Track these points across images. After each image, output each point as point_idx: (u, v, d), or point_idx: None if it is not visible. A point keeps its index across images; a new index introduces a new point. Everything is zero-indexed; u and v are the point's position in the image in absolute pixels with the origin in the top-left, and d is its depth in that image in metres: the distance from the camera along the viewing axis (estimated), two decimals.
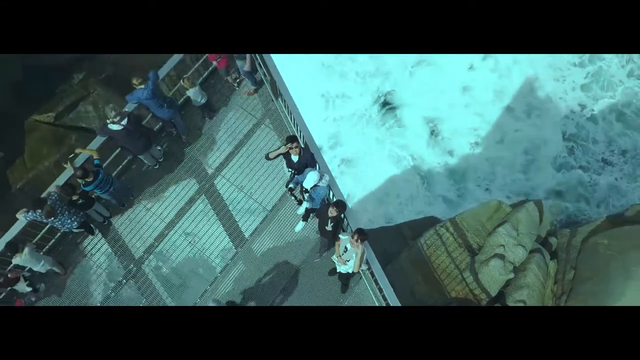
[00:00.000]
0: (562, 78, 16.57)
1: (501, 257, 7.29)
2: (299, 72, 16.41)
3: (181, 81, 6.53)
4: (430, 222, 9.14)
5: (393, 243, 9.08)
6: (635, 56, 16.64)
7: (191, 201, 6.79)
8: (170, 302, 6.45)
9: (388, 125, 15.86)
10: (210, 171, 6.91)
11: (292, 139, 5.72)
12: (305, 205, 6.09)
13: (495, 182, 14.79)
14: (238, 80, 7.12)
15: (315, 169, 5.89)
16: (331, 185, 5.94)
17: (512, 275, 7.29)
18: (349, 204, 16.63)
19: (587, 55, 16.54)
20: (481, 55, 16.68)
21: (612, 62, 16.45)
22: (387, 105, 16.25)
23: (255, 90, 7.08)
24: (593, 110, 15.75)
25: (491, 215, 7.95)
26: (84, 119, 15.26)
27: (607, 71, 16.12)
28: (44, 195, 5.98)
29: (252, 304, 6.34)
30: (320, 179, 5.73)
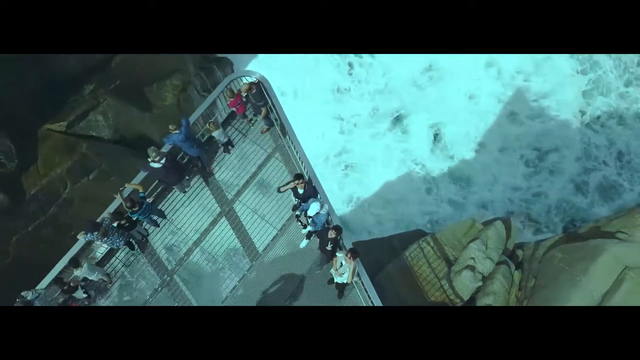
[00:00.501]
0: (564, 85, 18.16)
1: (472, 268, 9.06)
2: (313, 89, 18.08)
3: (207, 124, 8.19)
4: (416, 235, 10.90)
5: (384, 253, 10.84)
6: (630, 65, 18.26)
7: (214, 222, 8.51)
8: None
9: (395, 134, 17.45)
10: (229, 197, 8.61)
11: (298, 176, 7.42)
12: (309, 228, 7.81)
13: (497, 186, 16.41)
14: (253, 121, 8.79)
15: (317, 199, 7.58)
16: (330, 213, 7.66)
17: (480, 284, 9.06)
18: (355, 206, 17.91)
19: (588, 64, 18.14)
20: (484, 65, 18.24)
21: (610, 70, 18.06)
22: (396, 117, 17.89)
23: (268, 129, 8.76)
24: (593, 115, 17.37)
25: (466, 232, 9.70)
26: (94, 128, 16.96)
27: (605, 78, 17.75)
28: (98, 220, 7.65)
29: (265, 304, 8.09)
30: (321, 207, 7.43)
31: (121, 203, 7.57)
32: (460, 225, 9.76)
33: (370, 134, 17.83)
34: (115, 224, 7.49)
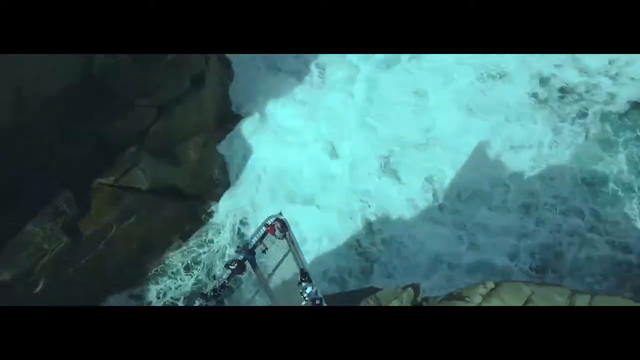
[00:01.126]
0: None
1: None
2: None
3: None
4: (369, 292, 19.12)
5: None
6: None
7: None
8: None
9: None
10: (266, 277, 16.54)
11: (303, 273, 15.44)
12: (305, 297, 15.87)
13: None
14: (278, 237, 16.62)
15: (311, 285, 15.60)
16: (317, 292, 15.74)
17: None
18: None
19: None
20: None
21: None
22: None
23: (284, 236, 16.64)
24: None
25: (393, 294, 17.98)
26: (135, 181, 24.39)
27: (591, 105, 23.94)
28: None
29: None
30: (313, 288, 15.48)
31: None
32: (390, 291, 17.99)
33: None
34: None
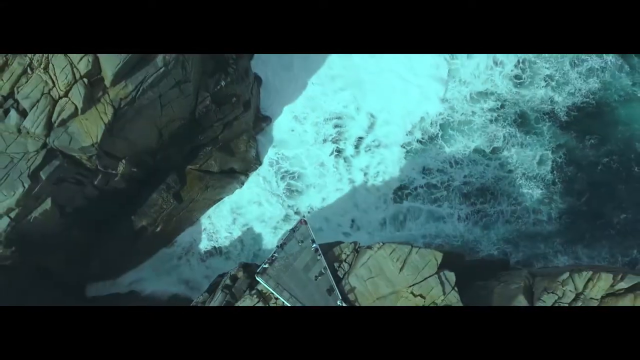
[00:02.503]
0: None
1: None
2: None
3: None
4: (336, 244, 39.99)
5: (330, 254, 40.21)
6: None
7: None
8: None
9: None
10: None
11: (313, 241, 36.08)
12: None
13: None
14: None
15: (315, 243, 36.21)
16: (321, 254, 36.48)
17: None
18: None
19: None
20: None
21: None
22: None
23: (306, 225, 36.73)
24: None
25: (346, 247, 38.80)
26: (210, 167, 44.24)
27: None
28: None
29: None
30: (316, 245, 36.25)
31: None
32: (346, 244, 38.44)
33: None
34: None
